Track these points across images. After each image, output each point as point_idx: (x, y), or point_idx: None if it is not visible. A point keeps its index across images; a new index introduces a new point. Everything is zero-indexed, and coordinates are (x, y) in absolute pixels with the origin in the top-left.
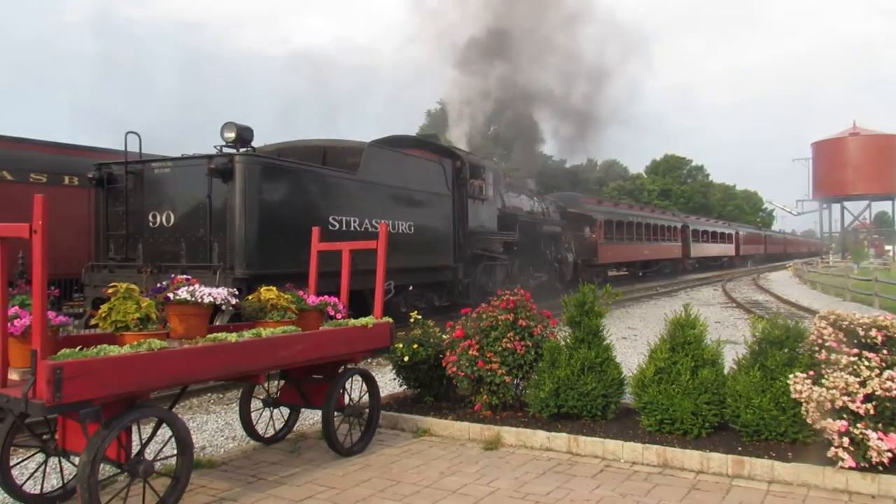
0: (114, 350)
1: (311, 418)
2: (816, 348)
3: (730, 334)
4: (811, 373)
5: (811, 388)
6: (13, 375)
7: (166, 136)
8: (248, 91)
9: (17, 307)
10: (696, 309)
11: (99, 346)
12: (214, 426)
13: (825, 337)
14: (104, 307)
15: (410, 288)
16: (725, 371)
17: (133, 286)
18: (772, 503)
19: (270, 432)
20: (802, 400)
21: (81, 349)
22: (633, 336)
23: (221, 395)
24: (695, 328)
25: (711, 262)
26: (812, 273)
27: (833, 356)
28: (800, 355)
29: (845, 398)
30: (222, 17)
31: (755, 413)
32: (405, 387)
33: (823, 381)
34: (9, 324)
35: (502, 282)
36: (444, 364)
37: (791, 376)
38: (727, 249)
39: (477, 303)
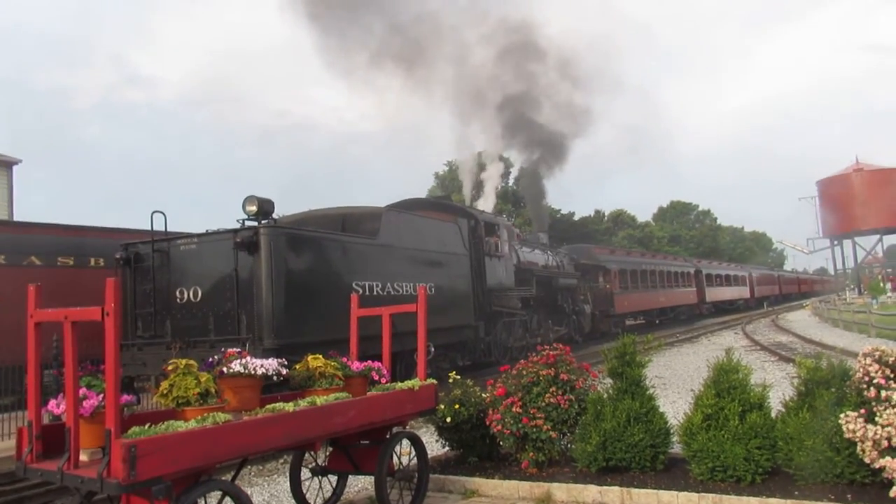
0: (181, 426)
1: (355, 485)
2: (864, 386)
3: (759, 377)
4: (863, 411)
5: (864, 427)
6: (83, 457)
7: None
8: (256, 163)
9: (84, 388)
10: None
11: (167, 423)
12: (260, 499)
13: (871, 374)
14: (165, 384)
15: (432, 349)
16: (772, 414)
17: (192, 362)
18: None
19: (319, 502)
20: (857, 439)
21: (150, 426)
22: (663, 384)
23: (261, 468)
24: (738, 372)
25: (727, 305)
26: (833, 311)
27: (883, 393)
28: (848, 394)
29: None
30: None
31: (809, 455)
32: (447, 448)
33: (877, 418)
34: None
35: (522, 337)
36: (487, 423)
37: (842, 416)
38: (742, 292)
39: (499, 360)
